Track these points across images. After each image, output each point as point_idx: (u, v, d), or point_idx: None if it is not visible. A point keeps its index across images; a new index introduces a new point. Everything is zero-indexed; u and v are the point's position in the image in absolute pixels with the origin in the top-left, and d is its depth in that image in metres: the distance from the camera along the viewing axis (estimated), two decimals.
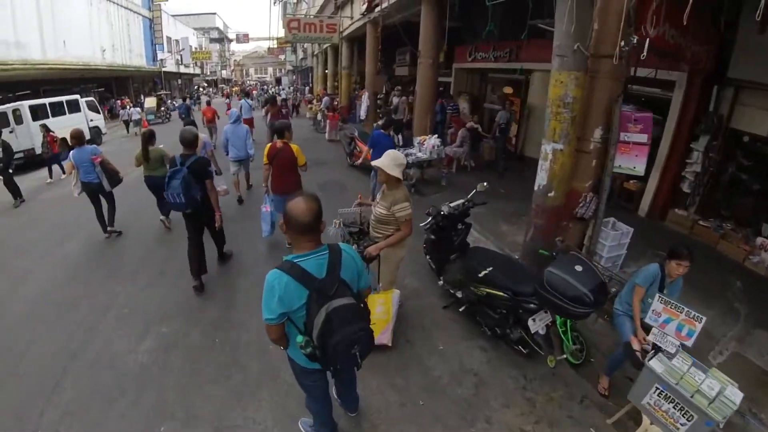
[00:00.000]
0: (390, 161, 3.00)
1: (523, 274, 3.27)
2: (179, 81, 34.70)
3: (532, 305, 2.99)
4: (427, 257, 4.52)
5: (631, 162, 3.58)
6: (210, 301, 4.07)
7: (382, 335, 3.25)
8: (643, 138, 3.42)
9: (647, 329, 2.88)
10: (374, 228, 3.29)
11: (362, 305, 1.75)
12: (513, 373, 3.23)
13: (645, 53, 2.91)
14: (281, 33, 30.90)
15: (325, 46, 20.03)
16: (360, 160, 6.76)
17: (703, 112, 5.30)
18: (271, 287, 1.61)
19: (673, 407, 2.27)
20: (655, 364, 2.37)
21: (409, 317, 3.79)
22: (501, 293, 3.17)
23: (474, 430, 2.72)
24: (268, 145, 4.54)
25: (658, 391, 2.33)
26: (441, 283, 4.13)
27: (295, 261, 1.66)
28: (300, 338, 1.62)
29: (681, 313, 2.33)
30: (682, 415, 2.24)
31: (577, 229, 4.28)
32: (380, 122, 6.72)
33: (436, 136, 7.41)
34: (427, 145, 7.10)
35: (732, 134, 5.32)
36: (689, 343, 2.33)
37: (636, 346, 2.78)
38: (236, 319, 3.78)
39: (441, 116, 9.35)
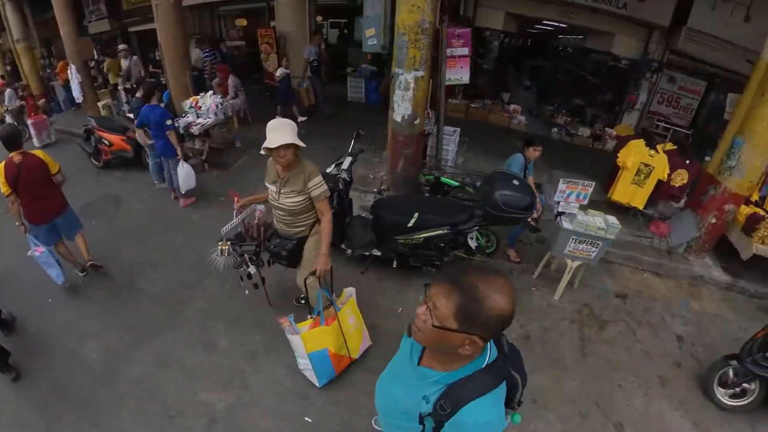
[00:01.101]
0: (292, 132, 2.27)
1: (448, 206, 3.43)
2: None
3: (474, 228, 3.25)
4: None
5: (458, 73, 4.04)
6: None
7: (364, 341, 2.86)
8: (465, 51, 3.87)
9: None
10: (290, 225, 2.64)
11: None
12: None
13: None
14: None
15: None
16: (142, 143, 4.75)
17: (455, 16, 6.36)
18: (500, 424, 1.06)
19: (586, 245, 3.21)
20: (567, 224, 3.18)
21: None
22: (440, 231, 3.26)
23: None
24: (1, 165, 3.11)
25: (574, 240, 3.20)
26: (349, 252, 3.82)
27: (488, 368, 1.05)
28: (517, 418, 1.27)
29: (578, 185, 3.13)
30: (592, 246, 3.21)
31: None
32: (139, 94, 4.79)
33: (212, 93, 5.88)
34: (209, 105, 5.57)
35: (478, 31, 6.71)
36: (585, 203, 3.21)
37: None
38: None
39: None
